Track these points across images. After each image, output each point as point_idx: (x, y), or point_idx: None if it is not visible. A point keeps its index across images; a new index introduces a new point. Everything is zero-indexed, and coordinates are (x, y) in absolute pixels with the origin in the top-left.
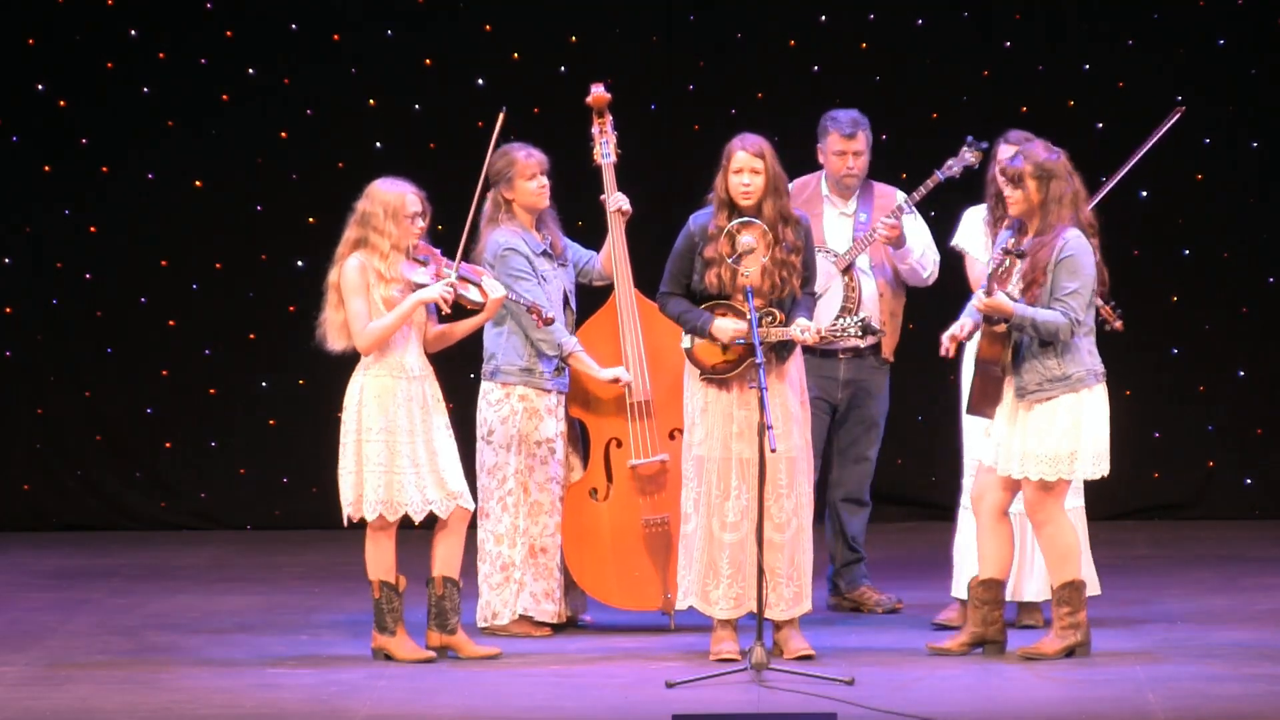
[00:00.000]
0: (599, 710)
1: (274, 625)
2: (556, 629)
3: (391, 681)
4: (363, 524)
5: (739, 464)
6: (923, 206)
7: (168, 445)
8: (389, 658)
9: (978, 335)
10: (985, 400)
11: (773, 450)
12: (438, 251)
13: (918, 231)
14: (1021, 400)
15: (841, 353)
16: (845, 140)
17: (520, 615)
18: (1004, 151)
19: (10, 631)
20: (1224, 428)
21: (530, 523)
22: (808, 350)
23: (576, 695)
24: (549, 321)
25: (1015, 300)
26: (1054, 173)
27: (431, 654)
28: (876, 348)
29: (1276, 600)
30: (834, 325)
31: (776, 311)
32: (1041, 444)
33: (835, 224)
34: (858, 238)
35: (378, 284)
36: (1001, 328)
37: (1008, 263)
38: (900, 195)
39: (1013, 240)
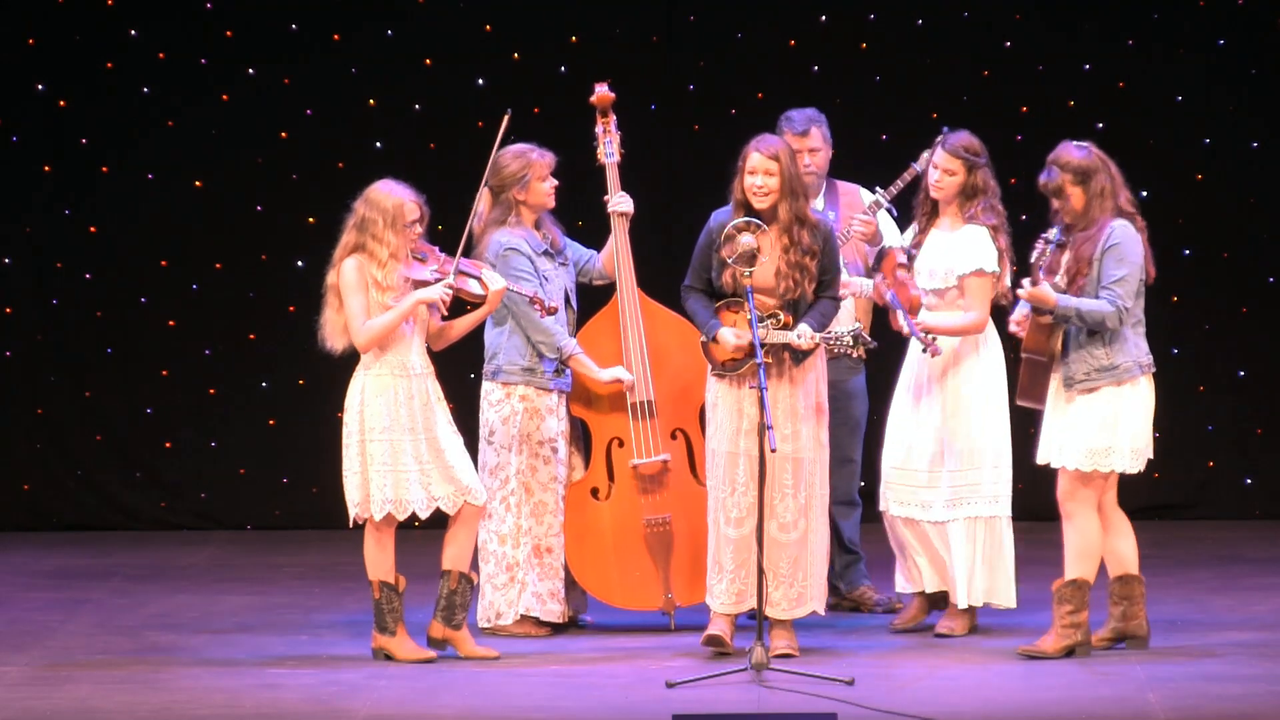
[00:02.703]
0: (599, 710)
1: (274, 625)
2: (557, 629)
3: (391, 681)
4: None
5: (747, 460)
6: (896, 202)
7: (168, 445)
8: (389, 658)
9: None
10: (1036, 389)
11: (772, 450)
12: (435, 249)
13: (891, 228)
14: (1068, 390)
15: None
16: (799, 138)
17: (523, 615)
18: (939, 159)
19: (10, 631)
20: (1224, 428)
21: (534, 523)
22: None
23: (576, 695)
24: (552, 311)
25: (1061, 292)
26: (1091, 169)
27: (432, 654)
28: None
29: (1276, 600)
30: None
31: (782, 314)
32: (1081, 434)
33: None
34: None
35: (374, 290)
36: (1048, 319)
37: (1044, 250)
38: (878, 191)
39: (1054, 230)
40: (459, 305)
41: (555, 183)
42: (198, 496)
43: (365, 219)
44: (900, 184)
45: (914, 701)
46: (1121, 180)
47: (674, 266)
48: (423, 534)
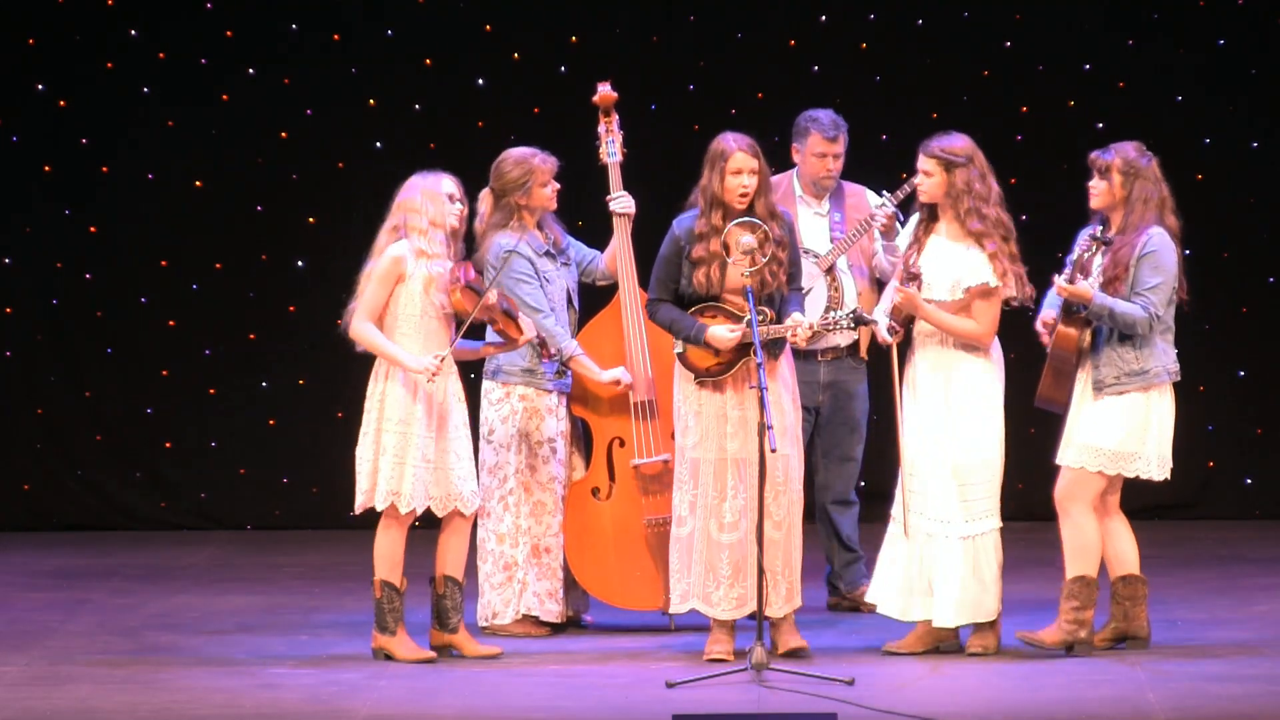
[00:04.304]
0: (599, 710)
1: (274, 625)
2: (557, 629)
3: (391, 681)
4: (370, 516)
5: (734, 464)
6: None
7: (168, 445)
8: (389, 658)
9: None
10: (1058, 390)
11: (773, 450)
12: (484, 280)
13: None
14: (1096, 392)
15: (820, 355)
16: (828, 143)
17: (523, 615)
18: (923, 164)
19: (10, 631)
20: (1224, 428)
21: (533, 522)
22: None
23: (576, 695)
24: (553, 356)
25: (1095, 290)
26: (1141, 173)
27: (432, 654)
28: (854, 348)
29: (1276, 600)
30: (826, 318)
31: (767, 309)
32: (1097, 436)
33: (810, 224)
34: (838, 237)
35: (419, 261)
36: (1079, 316)
37: (1093, 249)
38: (883, 194)
39: (1100, 229)
40: (480, 329)
41: (557, 186)
42: (198, 496)
43: (402, 201)
44: (908, 188)
45: (914, 701)
46: (1173, 205)
47: None
48: (425, 534)
